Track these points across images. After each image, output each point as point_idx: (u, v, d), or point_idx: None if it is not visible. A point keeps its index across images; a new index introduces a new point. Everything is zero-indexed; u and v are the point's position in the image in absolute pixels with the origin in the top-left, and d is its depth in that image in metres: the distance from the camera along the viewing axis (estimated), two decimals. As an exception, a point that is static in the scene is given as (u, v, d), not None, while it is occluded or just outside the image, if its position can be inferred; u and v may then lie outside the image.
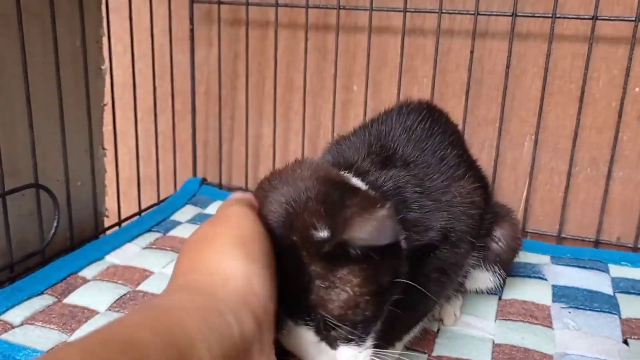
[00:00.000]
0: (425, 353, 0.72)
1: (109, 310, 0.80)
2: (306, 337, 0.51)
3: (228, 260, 0.43)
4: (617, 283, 0.91)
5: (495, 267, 0.78)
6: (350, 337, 0.51)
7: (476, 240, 0.69)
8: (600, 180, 1.07)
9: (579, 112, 1.04)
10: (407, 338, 0.68)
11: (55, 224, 0.93)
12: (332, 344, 0.52)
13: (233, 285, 0.41)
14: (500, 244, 0.76)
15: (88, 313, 0.79)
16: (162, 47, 1.24)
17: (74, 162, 0.99)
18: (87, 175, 1.03)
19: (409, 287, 0.56)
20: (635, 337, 0.77)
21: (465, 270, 0.74)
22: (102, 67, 1.08)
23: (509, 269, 0.83)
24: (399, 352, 0.67)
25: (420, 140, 0.67)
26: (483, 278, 0.79)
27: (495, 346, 0.75)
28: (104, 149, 1.10)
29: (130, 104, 1.15)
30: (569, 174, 1.07)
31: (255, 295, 0.42)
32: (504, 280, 0.81)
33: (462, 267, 0.69)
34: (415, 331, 0.69)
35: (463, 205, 0.64)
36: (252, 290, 0.42)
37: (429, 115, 0.71)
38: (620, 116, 1.02)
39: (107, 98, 1.12)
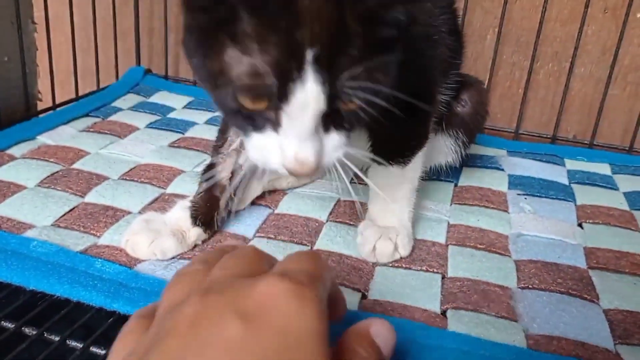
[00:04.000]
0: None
1: (39, 186, 0.73)
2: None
3: None
4: (572, 175, 0.90)
5: (459, 132, 0.75)
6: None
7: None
8: (561, 76, 1.05)
9: (545, 3, 0.99)
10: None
11: (-22, 99, 0.84)
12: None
13: None
14: (465, 107, 0.74)
15: (14, 188, 0.72)
16: None
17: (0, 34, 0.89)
18: (15, 50, 0.93)
19: None
20: (590, 221, 0.76)
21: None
22: None
23: (473, 138, 0.80)
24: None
25: None
26: (444, 146, 0.76)
27: (450, 226, 0.72)
28: (34, 23, 1.00)
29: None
30: (530, 70, 1.04)
31: None
32: (466, 153, 0.78)
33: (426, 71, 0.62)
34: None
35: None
36: None
37: None
38: (586, 8, 0.98)
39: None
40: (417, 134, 0.64)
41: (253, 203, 0.73)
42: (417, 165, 0.66)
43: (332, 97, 0.41)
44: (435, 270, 0.62)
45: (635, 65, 1.01)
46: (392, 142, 0.63)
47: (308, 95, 0.40)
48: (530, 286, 0.61)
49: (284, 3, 0.38)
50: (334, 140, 0.45)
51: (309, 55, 0.39)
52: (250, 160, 0.48)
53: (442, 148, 0.76)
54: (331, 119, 0.44)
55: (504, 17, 1.02)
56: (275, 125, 0.43)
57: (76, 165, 0.79)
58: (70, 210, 0.68)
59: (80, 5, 1.10)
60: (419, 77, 0.57)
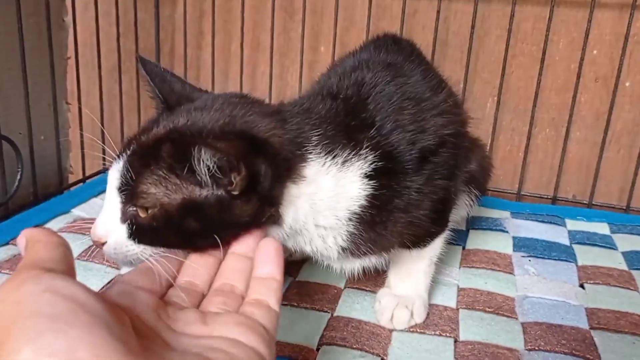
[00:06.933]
0: (393, 296, 0.75)
1: (78, 259, 0.79)
2: None
3: None
4: (573, 235, 0.96)
5: (471, 187, 0.80)
6: None
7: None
8: (559, 140, 1.11)
9: (540, 74, 1.07)
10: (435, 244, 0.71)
11: (18, 177, 0.91)
12: None
13: None
14: (472, 165, 0.78)
15: (56, 262, 0.78)
16: (125, 5, 1.21)
17: (37, 115, 0.97)
18: (51, 129, 1.01)
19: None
20: (591, 281, 0.81)
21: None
22: (65, 19, 1.05)
23: (484, 190, 0.86)
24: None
25: (400, 62, 0.70)
26: (461, 201, 0.80)
27: (460, 290, 0.78)
28: (67, 103, 1.08)
29: (92, 62, 1.13)
30: (529, 135, 1.11)
31: None
32: (478, 202, 0.84)
33: (460, 170, 0.70)
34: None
35: (454, 112, 0.67)
36: None
37: (400, 42, 0.77)
38: (578, 78, 1.05)
39: (70, 52, 1.09)
40: (438, 222, 0.68)
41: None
42: (436, 245, 0.71)
43: None
44: (447, 334, 0.67)
45: (627, 129, 1.08)
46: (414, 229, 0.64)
47: None
48: (536, 347, 0.65)
49: None
50: None
51: None
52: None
53: (459, 203, 0.80)
54: None
55: (502, 87, 1.09)
56: None
57: (110, 238, 0.85)
58: (109, 282, 0.74)
59: (105, 79, 1.18)
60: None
